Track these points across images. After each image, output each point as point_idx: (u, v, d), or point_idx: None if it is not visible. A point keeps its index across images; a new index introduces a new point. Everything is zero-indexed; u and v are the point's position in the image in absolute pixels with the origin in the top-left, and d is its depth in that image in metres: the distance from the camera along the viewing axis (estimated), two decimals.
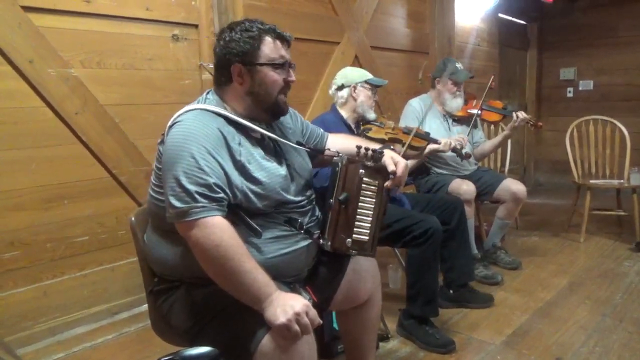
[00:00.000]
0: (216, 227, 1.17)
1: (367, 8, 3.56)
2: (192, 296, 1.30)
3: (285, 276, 1.35)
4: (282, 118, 1.48)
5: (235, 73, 1.33)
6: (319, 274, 1.48)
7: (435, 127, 2.95)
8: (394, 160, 1.44)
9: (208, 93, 1.39)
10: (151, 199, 1.35)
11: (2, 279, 2.01)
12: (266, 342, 1.13)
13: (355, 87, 2.36)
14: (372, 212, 1.39)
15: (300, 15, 3.08)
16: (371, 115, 2.43)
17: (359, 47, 3.49)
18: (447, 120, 3.07)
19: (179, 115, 1.29)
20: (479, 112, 3.03)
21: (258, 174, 1.29)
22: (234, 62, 1.32)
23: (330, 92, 2.44)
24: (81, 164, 2.20)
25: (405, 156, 2.58)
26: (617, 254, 3.40)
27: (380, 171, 1.41)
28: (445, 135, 2.85)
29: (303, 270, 1.42)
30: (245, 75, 1.33)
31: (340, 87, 2.38)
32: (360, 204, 1.37)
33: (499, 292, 2.75)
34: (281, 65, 1.35)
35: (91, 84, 2.19)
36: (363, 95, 2.37)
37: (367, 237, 1.39)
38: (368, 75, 2.40)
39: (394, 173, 1.42)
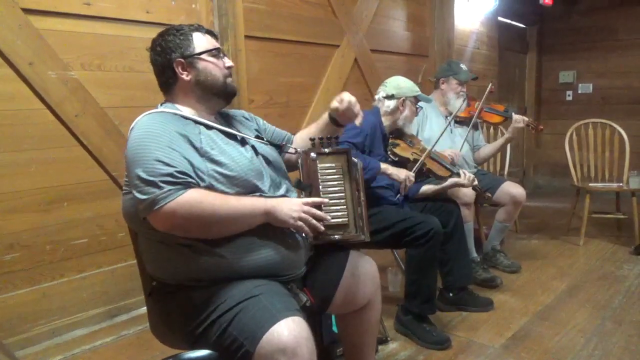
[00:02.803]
0: (188, 197, 1.20)
1: (367, 11, 3.57)
2: (190, 299, 1.30)
3: (281, 269, 1.35)
4: (240, 116, 1.58)
5: (179, 67, 1.40)
6: (317, 275, 1.48)
7: (436, 128, 2.95)
8: (338, 98, 1.50)
9: (160, 106, 1.43)
10: (127, 210, 1.36)
11: (2, 281, 2.00)
12: (265, 344, 1.13)
13: (404, 100, 2.38)
14: (342, 194, 1.40)
15: (300, 18, 3.08)
16: (410, 129, 2.47)
17: (358, 50, 3.50)
18: (449, 122, 3.07)
19: (136, 121, 1.34)
20: (480, 110, 3.04)
21: (223, 157, 1.33)
22: (174, 59, 1.39)
23: (377, 97, 2.45)
24: (81, 167, 2.20)
25: (423, 177, 2.53)
26: (616, 257, 3.40)
27: (340, 153, 1.43)
28: (445, 137, 2.86)
29: (294, 263, 1.41)
30: (189, 67, 1.40)
31: (390, 97, 2.38)
32: (323, 188, 1.39)
33: (499, 295, 2.75)
34: (216, 54, 1.44)
35: (91, 86, 2.20)
36: (409, 110, 2.41)
37: (345, 219, 1.40)
38: (417, 91, 2.42)
39: (340, 109, 1.50)
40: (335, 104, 1.50)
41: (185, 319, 1.29)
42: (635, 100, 5.34)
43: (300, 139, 1.66)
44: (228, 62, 1.47)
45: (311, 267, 1.48)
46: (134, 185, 1.22)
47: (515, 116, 3.00)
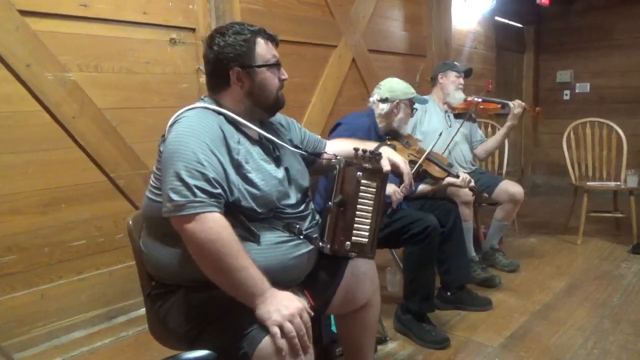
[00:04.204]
0: (214, 223, 1.16)
1: (364, 11, 3.57)
2: (189, 300, 1.30)
3: (286, 281, 1.34)
4: (279, 124, 1.53)
5: (234, 77, 1.34)
6: (317, 277, 1.47)
7: (436, 122, 2.97)
8: (391, 161, 1.45)
9: (203, 99, 1.40)
10: (149, 201, 1.35)
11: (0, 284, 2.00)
12: (264, 346, 1.13)
13: (398, 104, 2.37)
14: (371, 214, 1.39)
15: (298, 19, 3.09)
16: (405, 131, 2.47)
17: (356, 51, 3.50)
18: (448, 117, 3.09)
19: (180, 114, 1.30)
20: (479, 100, 3.06)
21: (254, 175, 1.29)
22: (231, 66, 1.33)
23: (371, 99, 2.43)
24: (79, 168, 2.20)
25: (420, 178, 2.53)
26: (614, 255, 3.40)
27: (378, 172, 1.40)
28: (445, 131, 2.86)
29: (303, 275, 1.42)
30: (244, 78, 1.35)
31: (384, 100, 2.37)
32: (358, 206, 1.37)
33: (497, 294, 2.75)
34: (275, 65, 1.38)
35: (88, 87, 2.19)
36: (403, 112, 2.40)
37: (366, 239, 1.39)
38: (412, 93, 2.41)
39: (397, 174, 1.47)
40: (387, 167, 1.44)
41: (184, 319, 1.29)
42: (633, 99, 5.35)
43: (334, 149, 1.64)
44: (284, 74, 1.41)
45: (312, 269, 1.46)
46: (168, 180, 1.18)
47: (512, 103, 3.03)
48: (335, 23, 3.33)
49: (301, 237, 1.37)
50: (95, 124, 2.22)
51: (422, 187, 2.53)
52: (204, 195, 1.17)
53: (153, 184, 1.33)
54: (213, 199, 1.18)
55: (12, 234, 2.02)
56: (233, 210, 1.25)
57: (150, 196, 1.34)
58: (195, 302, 1.28)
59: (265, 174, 1.32)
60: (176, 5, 2.48)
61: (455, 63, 3.17)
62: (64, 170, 2.16)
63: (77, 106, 2.16)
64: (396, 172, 1.52)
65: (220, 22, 2.60)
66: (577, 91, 5.76)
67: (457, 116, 3.14)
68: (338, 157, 1.44)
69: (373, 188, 1.38)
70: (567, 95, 5.83)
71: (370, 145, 1.50)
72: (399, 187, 2.22)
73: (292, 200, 1.39)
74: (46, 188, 2.11)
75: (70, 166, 2.17)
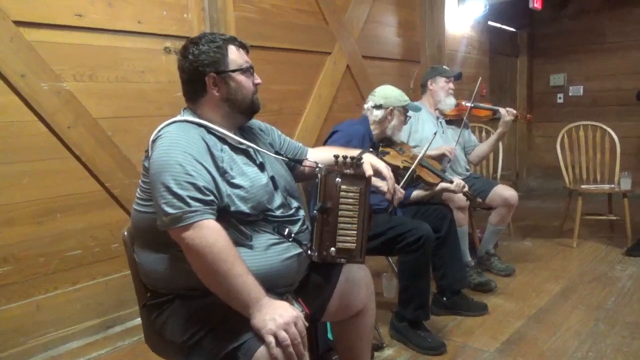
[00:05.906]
0: (210, 229, 1.18)
1: (358, 18, 3.59)
2: (185, 309, 1.30)
3: (279, 286, 1.35)
4: (258, 130, 1.57)
5: (210, 82, 1.38)
6: (311, 284, 1.48)
7: (428, 130, 2.98)
8: (374, 167, 1.47)
9: (183, 111, 1.43)
10: (137, 213, 1.37)
11: None
12: (259, 355, 1.13)
13: (392, 110, 2.38)
14: (355, 219, 1.40)
15: (292, 26, 3.10)
16: (399, 138, 2.48)
17: (350, 57, 3.52)
18: (440, 123, 3.10)
19: (160, 129, 1.32)
20: (471, 105, 3.08)
21: (240, 179, 1.32)
22: (207, 73, 1.37)
23: (365, 106, 2.45)
24: (74, 178, 2.20)
25: (413, 184, 2.54)
26: (609, 258, 3.42)
27: (360, 177, 1.42)
28: (437, 138, 2.88)
29: (296, 280, 1.43)
30: (220, 83, 1.38)
31: (378, 107, 2.38)
32: (341, 212, 1.38)
33: (493, 298, 2.76)
34: (248, 70, 1.42)
35: (83, 97, 2.20)
36: (397, 120, 2.42)
37: (353, 245, 1.40)
38: (406, 100, 2.42)
39: (381, 179, 1.49)
40: (369, 172, 1.44)
41: (180, 329, 1.29)
42: (625, 101, 5.38)
43: (317, 156, 1.65)
44: (257, 79, 1.45)
45: (306, 276, 1.48)
46: (160, 194, 1.20)
47: (503, 110, 3.06)
48: (329, 29, 3.35)
49: (290, 239, 1.38)
50: (90, 134, 2.22)
51: (416, 192, 2.54)
52: (198, 204, 1.19)
53: (139, 196, 1.36)
54: (207, 207, 1.20)
55: (7, 245, 2.02)
56: (224, 215, 1.27)
57: (137, 207, 1.37)
58: (191, 312, 1.29)
59: (249, 177, 1.35)
60: (170, 15, 2.49)
61: (445, 67, 3.17)
62: (59, 180, 2.16)
63: (72, 116, 2.16)
64: (379, 178, 1.53)
65: (215, 30, 2.61)
66: (570, 94, 5.80)
67: (449, 122, 3.15)
68: (320, 165, 1.45)
69: (355, 193, 1.40)
70: (560, 98, 5.87)
71: (353, 152, 1.51)
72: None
73: (278, 201, 1.41)
74: (41, 198, 2.11)
75: (66, 176, 2.17)
